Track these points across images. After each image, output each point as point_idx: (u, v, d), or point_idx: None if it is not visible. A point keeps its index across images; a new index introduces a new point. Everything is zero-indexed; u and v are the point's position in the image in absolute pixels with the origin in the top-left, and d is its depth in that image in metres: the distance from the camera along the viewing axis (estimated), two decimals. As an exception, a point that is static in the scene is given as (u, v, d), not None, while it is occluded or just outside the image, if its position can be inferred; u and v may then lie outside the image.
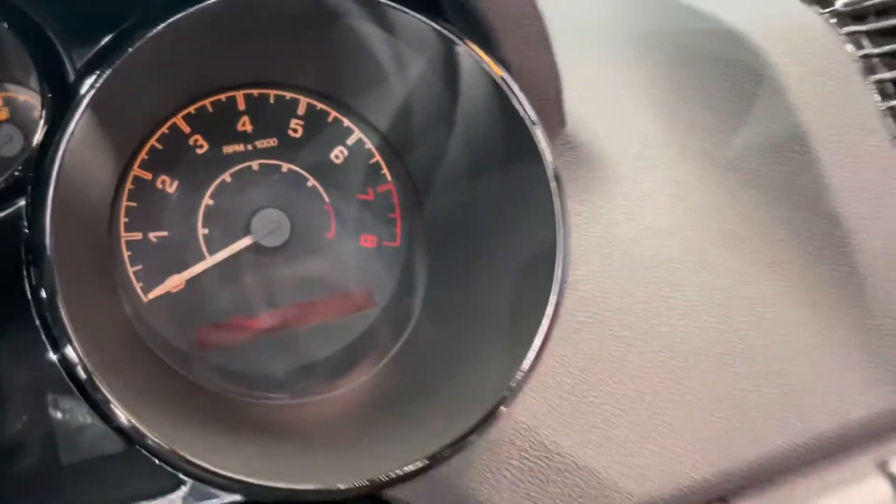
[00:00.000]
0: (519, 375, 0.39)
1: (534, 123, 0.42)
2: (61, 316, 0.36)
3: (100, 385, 0.35)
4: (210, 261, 0.54)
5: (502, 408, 0.39)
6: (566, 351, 0.43)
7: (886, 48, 0.58)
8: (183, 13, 0.40)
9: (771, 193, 0.54)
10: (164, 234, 0.54)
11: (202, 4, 0.40)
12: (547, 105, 0.44)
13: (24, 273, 0.38)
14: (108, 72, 0.39)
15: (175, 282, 0.54)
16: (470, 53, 0.43)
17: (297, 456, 0.40)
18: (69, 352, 0.36)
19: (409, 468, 0.37)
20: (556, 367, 0.42)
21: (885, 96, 0.57)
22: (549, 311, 0.40)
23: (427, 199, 0.56)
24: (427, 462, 0.38)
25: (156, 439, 0.35)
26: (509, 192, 0.45)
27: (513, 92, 0.42)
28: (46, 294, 0.36)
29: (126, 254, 0.53)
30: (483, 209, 0.48)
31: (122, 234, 0.53)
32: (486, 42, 0.43)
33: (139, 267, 0.53)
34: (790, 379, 0.49)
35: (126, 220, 0.53)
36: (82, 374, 0.36)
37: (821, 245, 0.53)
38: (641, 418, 0.47)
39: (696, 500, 0.47)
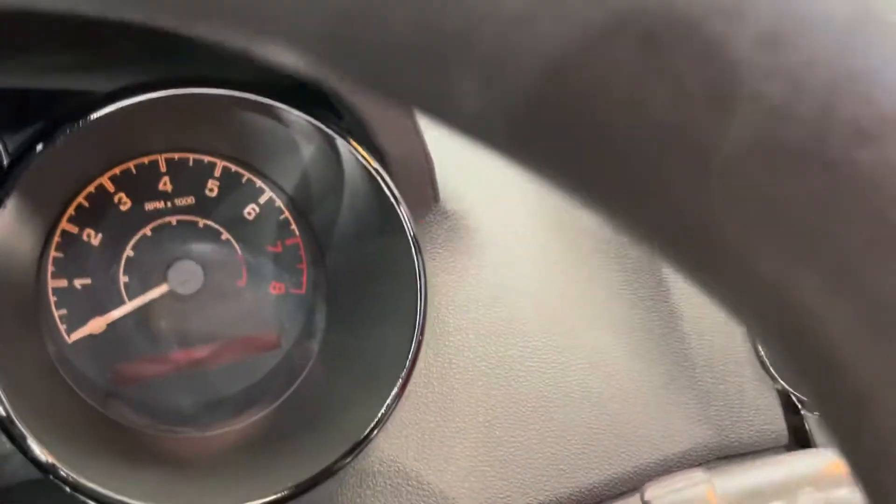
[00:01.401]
0: (379, 414, 0.48)
1: (399, 203, 0.51)
2: None
3: (17, 423, 0.43)
4: (129, 306, 0.61)
5: (367, 441, 0.47)
6: (431, 392, 0.52)
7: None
8: (113, 106, 0.48)
9: (612, 256, 0.64)
10: (88, 281, 0.61)
11: (131, 100, 0.48)
12: (422, 184, 0.53)
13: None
14: (40, 154, 0.47)
15: (97, 324, 0.61)
16: (348, 147, 0.52)
17: (191, 485, 0.47)
18: None
19: (277, 496, 0.45)
20: (422, 406, 0.51)
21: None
22: (409, 357, 0.49)
23: (328, 252, 0.65)
24: (294, 490, 0.46)
25: (67, 471, 0.43)
26: (385, 255, 0.54)
27: (383, 179, 0.51)
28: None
29: (52, 299, 0.60)
30: (368, 266, 0.57)
31: (49, 281, 0.60)
32: (366, 133, 0.52)
33: (64, 311, 0.60)
34: (619, 417, 0.59)
35: (53, 269, 0.60)
36: (2, 412, 0.43)
37: (652, 304, 0.63)
38: (490, 451, 0.56)
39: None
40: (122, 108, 0.50)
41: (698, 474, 0.50)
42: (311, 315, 0.66)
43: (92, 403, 0.56)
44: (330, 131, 0.51)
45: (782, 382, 0.65)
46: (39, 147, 0.48)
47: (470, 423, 0.55)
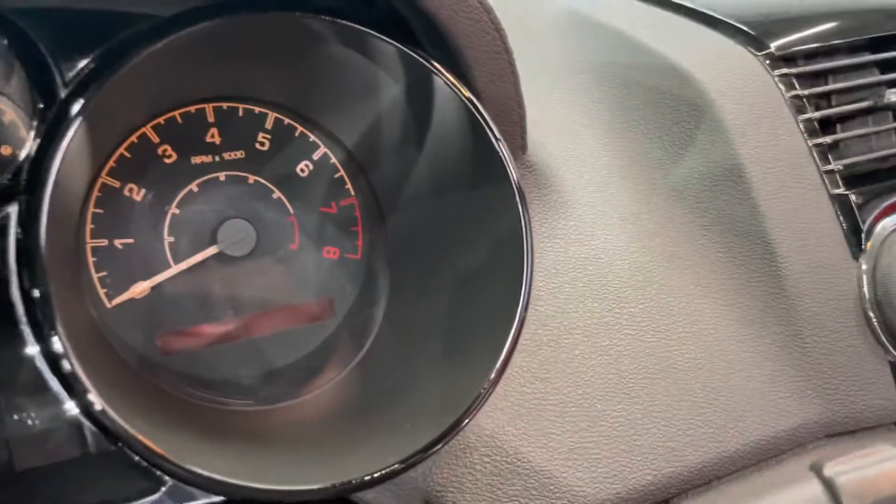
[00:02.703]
0: (486, 385, 0.43)
1: (499, 140, 0.46)
2: (53, 314, 0.38)
3: (82, 376, 0.37)
4: (175, 269, 0.56)
5: (471, 415, 0.43)
6: (525, 362, 0.47)
7: (814, 90, 0.65)
8: (169, 37, 0.43)
9: (710, 219, 0.60)
10: (130, 241, 0.56)
11: (188, 30, 0.43)
12: (511, 132, 0.49)
13: (12, 276, 0.40)
14: (97, 91, 0.41)
15: (140, 288, 0.56)
16: (443, 79, 0.46)
17: (272, 459, 0.43)
18: (55, 342, 0.38)
19: (384, 471, 0.41)
20: (516, 377, 0.46)
21: (813, 134, 0.64)
22: (515, 325, 0.44)
23: (390, 213, 0.60)
24: (401, 466, 0.41)
25: (139, 435, 0.38)
26: (474, 210, 0.49)
27: (481, 114, 0.46)
28: (40, 294, 0.38)
29: (91, 260, 0.55)
30: (447, 226, 0.52)
31: (88, 240, 0.55)
32: (458, 73, 0.47)
33: (104, 273, 0.55)
34: (726, 390, 0.55)
35: (92, 226, 0.55)
36: (67, 366, 0.38)
37: (755, 268, 0.59)
38: (591, 426, 0.51)
39: (643, 502, 0.51)
40: (183, 38, 0.45)
41: (888, 449, 0.45)
42: (371, 281, 0.62)
43: (142, 372, 0.51)
44: (425, 63, 0.45)
45: (896, 353, 0.61)
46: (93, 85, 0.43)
47: (569, 396, 0.51)
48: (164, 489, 0.38)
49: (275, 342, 0.58)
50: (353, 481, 0.40)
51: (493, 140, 0.46)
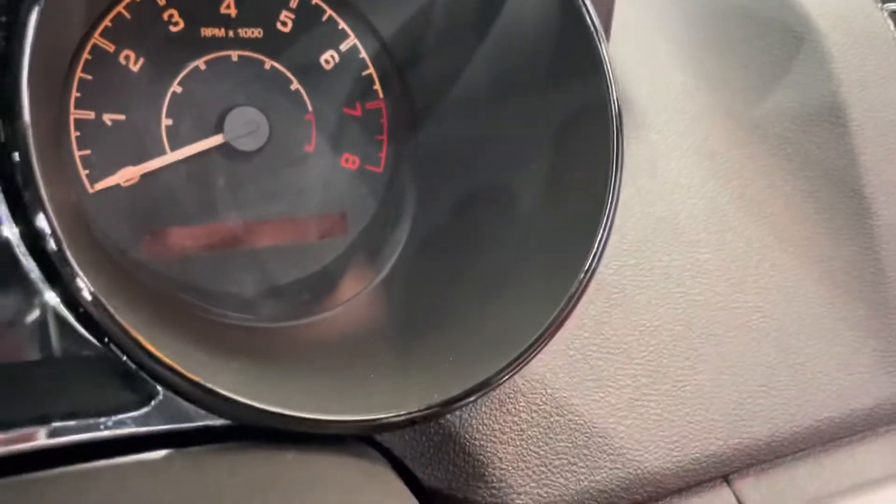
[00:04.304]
0: (550, 321, 0.36)
1: (597, 30, 0.38)
2: (36, 180, 0.30)
3: (70, 257, 0.30)
4: (171, 156, 0.49)
5: (537, 350, 0.36)
6: (582, 304, 0.41)
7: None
8: None
9: (797, 163, 0.53)
10: (121, 117, 0.48)
11: None
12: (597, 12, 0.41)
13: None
14: None
15: (128, 174, 0.48)
16: None
17: (283, 382, 0.36)
18: (40, 218, 0.31)
19: (423, 412, 0.34)
20: (573, 319, 0.40)
21: (920, 80, 0.57)
22: (591, 260, 0.37)
23: (426, 123, 0.52)
24: (442, 407, 0.34)
25: (132, 330, 0.30)
26: (547, 114, 0.41)
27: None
28: (20, 156, 0.31)
29: (74, 134, 0.47)
30: (503, 138, 0.45)
31: (72, 110, 0.47)
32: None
33: (87, 151, 0.47)
34: (800, 358, 0.49)
35: (78, 94, 0.47)
36: (52, 246, 0.30)
37: (843, 223, 0.53)
38: (652, 384, 0.45)
39: (700, 477, 0.46)
40: None
41: None
42: (394, 198, 0.55)
43: (128, 268, 0.44)
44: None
45: None
46: None
47: (630, 346, 0.44)
48: (154, 403, 0.31)
49: (278, 255, 0.52)
50: (380, 418, 0.33)
51: (591, 28, 0.38)
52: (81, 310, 0.31)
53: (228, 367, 0.34)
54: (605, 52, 0.38)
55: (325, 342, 0.43)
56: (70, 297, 0.31)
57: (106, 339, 0.31)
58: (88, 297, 0.30)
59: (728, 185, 0.51)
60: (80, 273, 0.30)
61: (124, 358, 0.31)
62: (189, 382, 0.31)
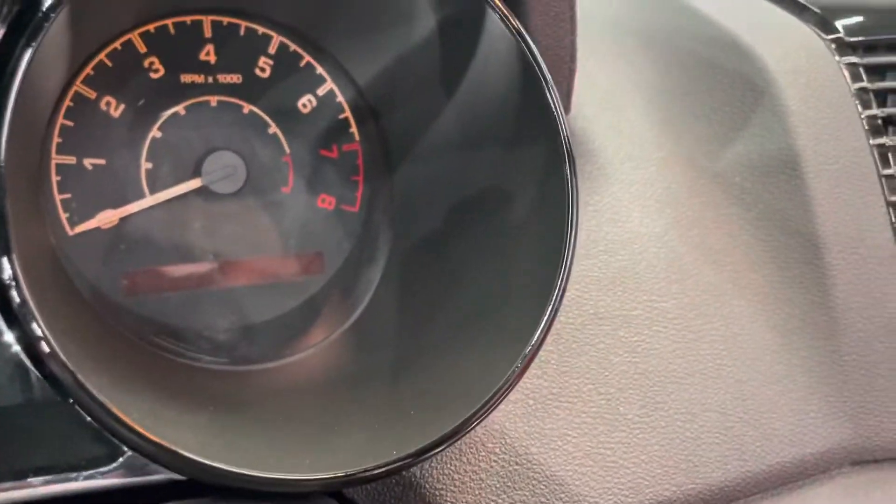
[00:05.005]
0: (515, 370, 0.38)
1: (552, 90, 0.40)
2: (7, 231, 0.32)
3: (33, 308, 0.31)
4: (151, 199, 0.51)
5: (494, 405, 0.38)
6: (543, 352, 0.42)
7: (882, 85, 0.60)
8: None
9: (756, 212, 0.55)
10: (102, 161, 0.50)
11: None
12: (559, 89, 0.43)
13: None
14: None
15: (108, 217, 0.50)
16: (496, 12, 0.40)
17: (249, 434, 0.37)
18: (4, 266, 0.32)
19: (385, 467, 0.35)
20: (532, 367, 0.41)
21: (875, 133, 0.59)
22: (551, 305, 0.39)
23: (400, 165, 0.54)
24: (404, 461, 0.36)
25: (95, 392, 0.32)
26: (507, 170, 0.43)
27: (535, 57, 0.40)
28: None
29: (55, 178, 0.49)
30: (470, 185, 0.47)
31: (54, 155, 0.49)
32: (513, 10, 0.41)
33: (68, 195, 0.49)
34: (755, 403, 0.51)
35: (59, 140, 0.49)
36: (15, 296, 0.32)
37: (799, 272, 0.55)
38: (610, 431, 0.47)
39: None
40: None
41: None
42: (369, 238, 0.56)
43: (103, 313, 0.45)
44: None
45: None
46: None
47: (588, 395, 0.46)
48: (121, 459, 0.33)
49: (254, 295, 0.53)
50: (346, 475, 0.35)
51: (546, 90, 0.40)
52: (48, 370, 0.32)
53: (195, 421, 0.36)
54: (559, 112, 0.40)
55: (294, 388, 0.44)
56: (35, 356, 0.32)
57: (68, 399, 0.32)
58: (48, 353, 0.31)
59: (688, 234, 0.53)
60: (46, 333, 0.31)
61: (88, 419, 0.32)
62: (152, 444, 0.32)
